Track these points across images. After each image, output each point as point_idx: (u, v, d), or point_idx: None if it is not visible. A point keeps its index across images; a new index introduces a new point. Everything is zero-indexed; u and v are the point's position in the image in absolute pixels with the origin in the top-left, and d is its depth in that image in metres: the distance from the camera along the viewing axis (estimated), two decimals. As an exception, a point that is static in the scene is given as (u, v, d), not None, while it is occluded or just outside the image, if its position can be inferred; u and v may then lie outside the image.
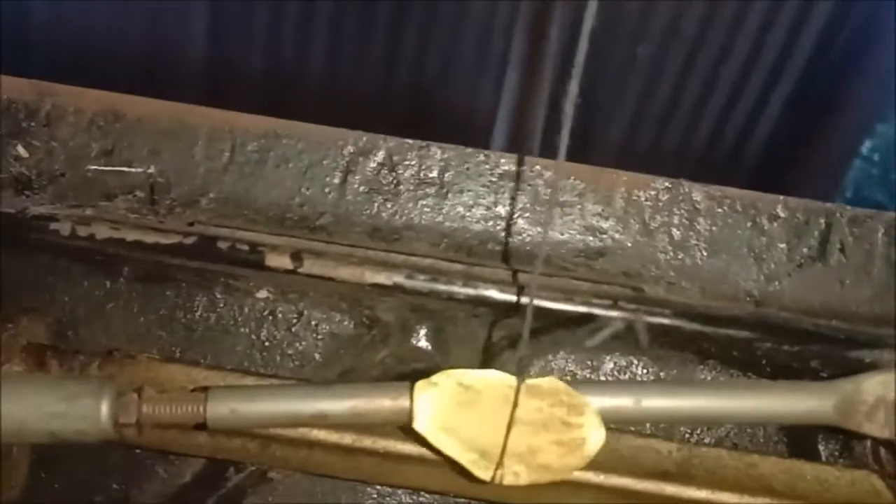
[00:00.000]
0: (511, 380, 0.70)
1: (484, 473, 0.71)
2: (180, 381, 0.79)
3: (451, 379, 0.71)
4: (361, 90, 3.51)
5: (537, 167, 0.86)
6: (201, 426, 0.72)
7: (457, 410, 0.71)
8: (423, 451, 0.78)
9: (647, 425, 0.86)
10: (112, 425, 0.70)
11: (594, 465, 0.78)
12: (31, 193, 0.86)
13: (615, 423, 0.79)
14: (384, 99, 3.41)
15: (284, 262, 0.80)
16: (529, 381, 0.70)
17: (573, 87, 0.60)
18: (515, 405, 0.69)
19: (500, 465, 0.70)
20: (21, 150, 0.87)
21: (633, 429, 0.82)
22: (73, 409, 0.69)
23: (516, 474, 0.71)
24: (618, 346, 0.87)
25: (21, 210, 0.81)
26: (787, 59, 3.45)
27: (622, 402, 0.71)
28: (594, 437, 0.70)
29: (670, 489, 0.77)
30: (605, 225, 0.86)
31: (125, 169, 0.87)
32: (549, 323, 0.85)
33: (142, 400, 0.71)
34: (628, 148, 3.49)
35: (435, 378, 0.71)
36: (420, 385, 0.71)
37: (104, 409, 0.69)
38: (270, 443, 0.79)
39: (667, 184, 0.86)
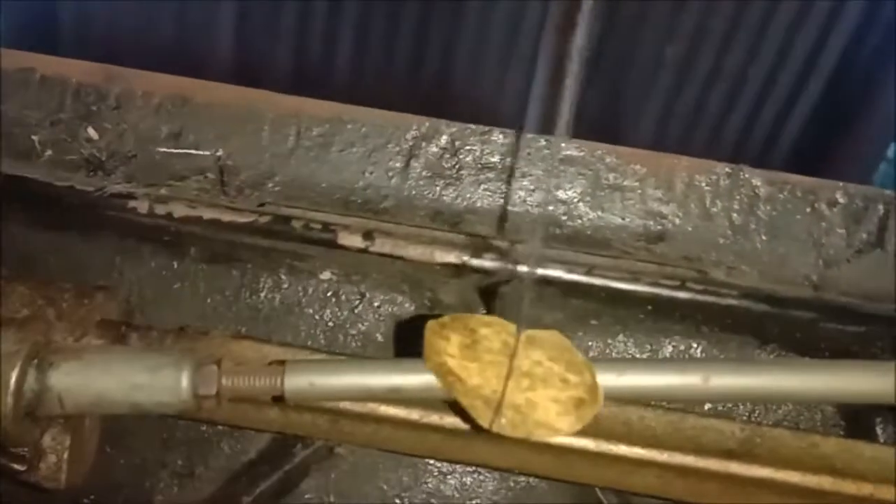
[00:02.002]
0: (513, 328, 0.71)
1: (483, 420, 0.72)
2: (252, 357, 0.81)
3: (460, 322, 0.72)
4: (387, 88, 3.53)
5: (598, 152, 0.88)
6: (278, 399, 0.73)
7: (462, 354, 0.71)
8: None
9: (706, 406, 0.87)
10: (192, 397, 0.71)
11: (657, 443, 0.79)
12: (104, 174, 0.88)
13: (680, 402, 0.80)
14: (410, 98, 3.43)
15: (356, 241, 0.82)
16: (531, 332, 0.70)
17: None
18: (515, 354, 0.70)
19: (498, 413, 0.71)
20: (92, 133, 0.90)
21: (696, 409, 0.83)
22: (155, 380, 0.71)
23: (513, 426, 0.71)
24: (678, 328, 0.88)
25: (99, 188, 0.83)
26: (815, 62, 3.45)
27: (689, 380, 0.72)
28: (592, 400, 0.70)
29: (734, 467, 0.78)
30: (665, 209, 0.88)
31: (193, 152, 0.89)
32: (611, 304, 0.87)
33: (221, 372, 0.72)
34: (655, 149, 3.49)
35: (444, 320, 0.73)
36: (431, 325, 0.72)
37: (185, 380, 0.71)
38: (339, 418, 0.81)
39: (727, 169, 0.87)
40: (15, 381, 0.69)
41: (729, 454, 0.78)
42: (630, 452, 0.78)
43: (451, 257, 0.82)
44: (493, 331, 0.72)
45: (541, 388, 0.71)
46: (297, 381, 0.72)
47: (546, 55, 3.18)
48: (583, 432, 0.79)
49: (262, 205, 0.86)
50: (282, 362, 0.74)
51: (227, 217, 0.82)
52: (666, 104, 3.55)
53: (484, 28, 3.40)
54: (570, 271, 0.82)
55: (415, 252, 0.82)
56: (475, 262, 0.83)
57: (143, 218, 0.82)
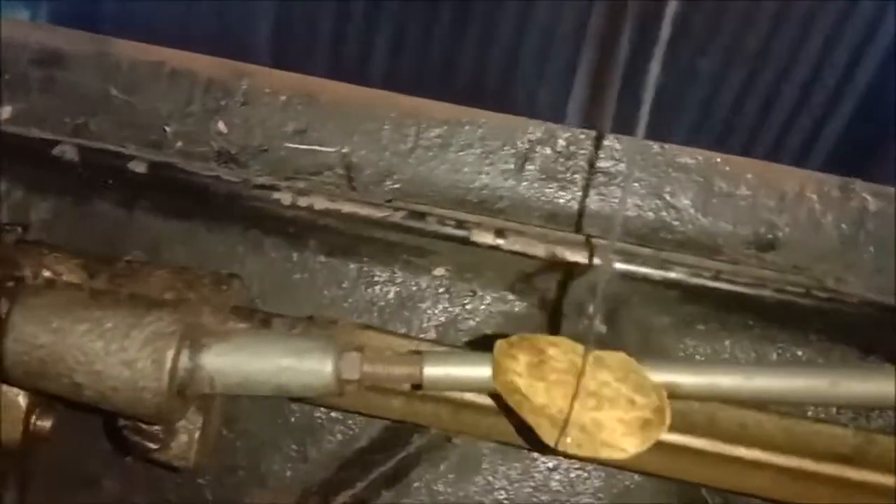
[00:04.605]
0: (581, 349, 0.72)
1: (549, 438, 0.73)
2: (378, 346, 0.83)
3: (527, 342, 0.74)
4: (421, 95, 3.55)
5: (715, 160, 0.90)
6: (416, 387, 0.76)
7: (530, 373, 0.72)
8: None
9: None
10: (336, 381, 0.74)
11: (773, 446, 0.82)
12: (237, 166, 0.91)
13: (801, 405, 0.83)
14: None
15: (488, 238, 0.85)
16: (598, 353, 0.71)
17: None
18: (582, 374, 0.71)
19: (563, 432, 0.72)
20: (222, 126, 0.93)
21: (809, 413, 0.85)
22: (302, 363, 0.74)
23: (579, 445, 0.72)
24: (785, 336, 0.90)
25: (244, 179, 0.86)
26: (849, 80, 3.46)
27: (817, 384, 0.74)
28: (659, 421, 0.71)
29: (849, 472, 0.80)
30: (776, 219, 0.90)
31: (319, 148, 0.92)
32: (721, 310, 0.89)
33: (364, 358, 0.75)
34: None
35: (513, 339, 0.74)
36: (500, 344, 0.74)
37: (330, 365, 0.74)
38: (461, 409, 0.84)
39: (838, 182, 0.90)
40: (171, 360, 0.72)
41: (843, 459, 0.81)
42: (747, 454, 0.81)
43: (579, 257, 0.84)
44: (560, 351, 0.73)
45: (607, 409, 0.71)
46: (436, 371, 0.75)
47: (587, 67, 3.20)
48: (699, 432, 0.82)
49: (389, 201, 0.89)
50: (418, 352, 0.77)
51: (364, 211, 0.85)
52: (697, 120, 3.58)
53: (520, 32, 3.43)
54: (695, 275, 0.84)
55: (544, 251, 0.84)
56: (601, 262, 0.85)
57: (284, 209, 0.85)
